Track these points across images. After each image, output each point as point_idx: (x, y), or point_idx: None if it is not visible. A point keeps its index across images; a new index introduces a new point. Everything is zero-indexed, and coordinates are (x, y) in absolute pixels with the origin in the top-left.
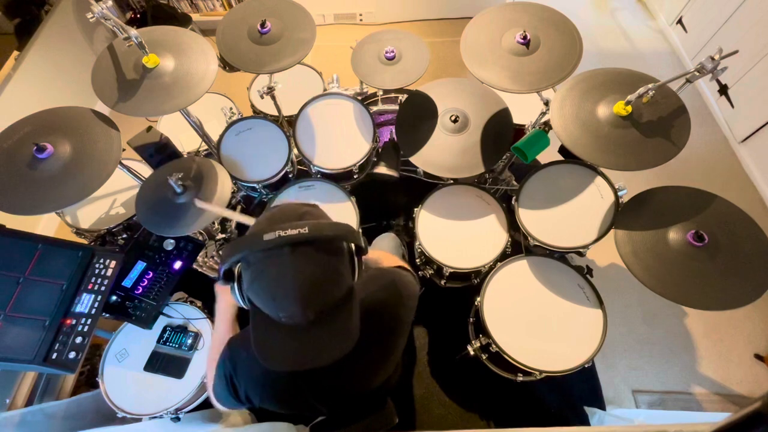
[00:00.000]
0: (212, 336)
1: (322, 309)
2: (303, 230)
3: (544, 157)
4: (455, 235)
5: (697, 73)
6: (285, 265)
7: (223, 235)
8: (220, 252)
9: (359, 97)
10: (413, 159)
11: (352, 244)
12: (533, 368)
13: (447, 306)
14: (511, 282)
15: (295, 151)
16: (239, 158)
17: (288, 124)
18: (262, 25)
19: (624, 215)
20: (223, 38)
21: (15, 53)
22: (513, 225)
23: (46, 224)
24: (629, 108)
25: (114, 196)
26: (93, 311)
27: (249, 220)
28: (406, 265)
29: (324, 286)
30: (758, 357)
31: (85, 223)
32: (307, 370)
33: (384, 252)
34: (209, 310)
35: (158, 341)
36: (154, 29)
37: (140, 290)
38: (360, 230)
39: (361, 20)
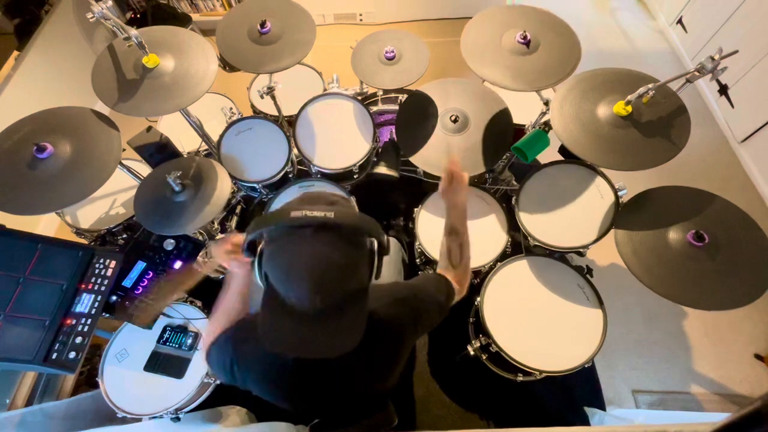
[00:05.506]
0: (221, 301)
1: (330, 298)
2: (329, 214)
3: (544, 157)
4: None
5: (697, 73)
6: (304, 245)
7: (223, 235)
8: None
9: (359, 97)
10: (413, 159)
11: (375, 243)
12: (533, 368)
13: None
14: (511, 282)
15: (295, 151)
16: (239, 158)
17: (288, 124)
18: (262, 25)
19: (624, 215)
20: (223, 38)
21: (15, 53)
22: (513, 225)
23: (46, 224)
24: (629, 108)
25: (114, 196)
26: (93, 311)
27: None
28: (450, 277)
29: (337, 274)
30: (758, 357)
31: (85, 223)
32: (310, 367)
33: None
34: (209, 310)
35: (158, 341)
36: (154, 29)
37: (140, 290)
38: None
39: (361, 20)
